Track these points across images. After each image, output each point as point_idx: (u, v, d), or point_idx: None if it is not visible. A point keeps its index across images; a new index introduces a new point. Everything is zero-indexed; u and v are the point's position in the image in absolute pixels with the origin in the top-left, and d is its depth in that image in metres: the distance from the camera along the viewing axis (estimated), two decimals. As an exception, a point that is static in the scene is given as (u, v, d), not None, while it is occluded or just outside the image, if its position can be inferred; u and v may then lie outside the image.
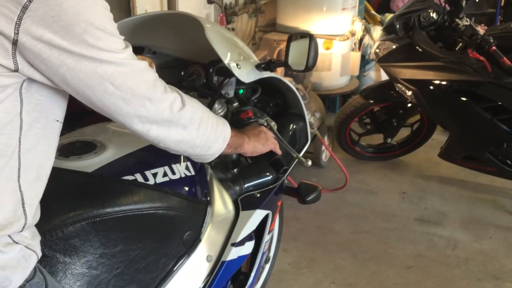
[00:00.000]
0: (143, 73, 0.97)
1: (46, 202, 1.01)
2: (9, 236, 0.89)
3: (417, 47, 2.92)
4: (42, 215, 1.00)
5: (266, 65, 1.54)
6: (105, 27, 0.89)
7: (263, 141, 1.39)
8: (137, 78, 0.95)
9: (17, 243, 0.90)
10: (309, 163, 1.52)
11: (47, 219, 1.04)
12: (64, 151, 1.31)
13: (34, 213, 0.96)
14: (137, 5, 2.77)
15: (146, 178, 1.29)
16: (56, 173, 1.03)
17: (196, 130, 1.09)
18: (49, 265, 1.05)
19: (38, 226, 0.99)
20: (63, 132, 1.03)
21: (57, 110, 0.97)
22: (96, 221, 1.13)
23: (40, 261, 0.97)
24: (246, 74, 1.49)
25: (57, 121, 0.98)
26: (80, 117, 1.43)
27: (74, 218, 1.10)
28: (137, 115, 0.98)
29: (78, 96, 0.93)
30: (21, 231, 0.92)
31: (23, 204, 0.92)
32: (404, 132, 3.55)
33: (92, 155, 1.31)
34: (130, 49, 0.95)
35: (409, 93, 3.04)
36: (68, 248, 1.09)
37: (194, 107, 1.09)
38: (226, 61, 1.44)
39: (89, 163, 1.28)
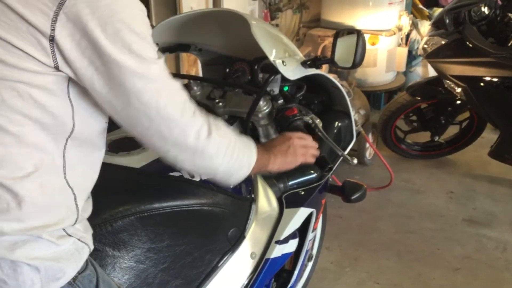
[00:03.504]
0: (174, 93, 0.94)
1: (97, 196, 1.04)
2: (63, 229, 0.92)
3: (468, 43, 2.84)
4: (93, 209, 1.03)
5: (312, 62, 1.52)
6: (141, 31, 0.87)
7: (291, 158, 1.30)
8: (166, 97, 0.92)
9: (70, 235, 0.93)
10: (355, 161, 1.50)
11: (97, 213, 1.06)
12: (113, 147, 1.34)
13: (85, 207, 0.99)
14: (183, 3, 2.80)
15: (192, 175, 1.30)
16: (106, 168, 1.05)
17: (221, 159, 1.04)
18: (99, 258, 1.08)
19: (88, 219, 1.02)
20: (111, 129, 1.05)
21: (103, 114, 0.97)
22: (143, 216, 1.16)
23: (90, 254, 0.99)
24: (292, 71, 1.48)
25: (105, 122, 0.99)
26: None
27: (123, 212, 1.13)
28: (158, 134, 0.94)
29: (102, 100, 0.90)
30: (73, 225, 0.95)
31: (74, 198, 0.94)
32: (452, 130, 3.45)
33: (140, 151, 1.33)
34: (162, 60, 0.92)
35: (459, 90, 2.96)
36: (117, 242, 1.12)
37: (221, 136, 1.03)
38: (271, 58, 1.43)
39: (137, 159, 1.31)
